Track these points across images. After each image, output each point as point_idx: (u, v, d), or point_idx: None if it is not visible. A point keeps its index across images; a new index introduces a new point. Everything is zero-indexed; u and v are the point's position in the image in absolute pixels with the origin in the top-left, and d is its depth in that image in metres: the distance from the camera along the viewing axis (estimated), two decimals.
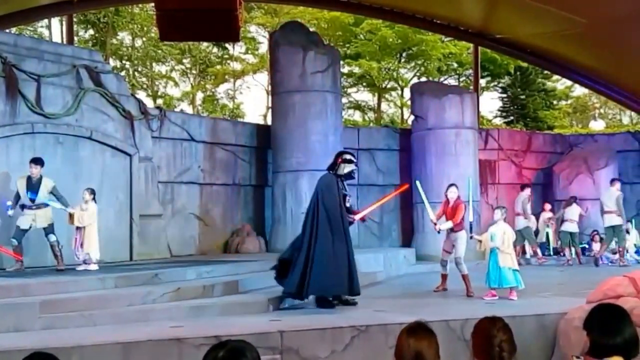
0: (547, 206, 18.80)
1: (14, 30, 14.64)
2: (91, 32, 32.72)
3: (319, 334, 7.56)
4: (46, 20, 29.45)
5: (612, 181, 17.12)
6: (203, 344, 6.38)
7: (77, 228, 11.34)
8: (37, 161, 11.33)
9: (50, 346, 6.23)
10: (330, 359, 7.45)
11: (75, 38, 26.43)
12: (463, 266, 11.11)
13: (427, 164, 17.45)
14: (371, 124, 34.95)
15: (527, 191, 17.38)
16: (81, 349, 6.64)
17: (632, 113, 33.03)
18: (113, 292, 9.25)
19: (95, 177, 13.35)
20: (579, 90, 38.92)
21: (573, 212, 17.24)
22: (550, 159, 21.14)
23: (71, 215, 11.30)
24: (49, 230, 11.29)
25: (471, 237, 11.01)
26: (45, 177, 11.33)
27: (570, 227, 17.10)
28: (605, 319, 3.67)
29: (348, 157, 10.08)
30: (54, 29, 31.17)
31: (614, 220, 16.18)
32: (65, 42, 19.28)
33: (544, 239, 18.34)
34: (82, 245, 11.27)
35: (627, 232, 17.32)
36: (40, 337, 7.04)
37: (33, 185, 11.19)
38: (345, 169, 9.95)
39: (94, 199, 11.50)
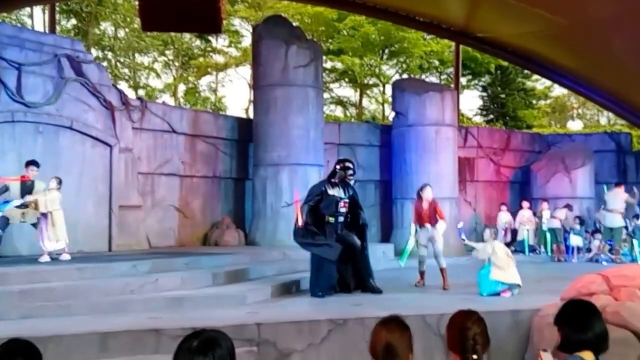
0: (525, 204, 19.00)
1: None
2: (73, 21, 32.45)
3: (296, 326, 7.60)
4: (28, 9, 29.23)
5: None
6: (180, 335, 6.39)
7: (43, 215, 11.15)
8: (35, 163, 11.33)
9: (28, 335, 6.21)
10: (307, 352, 7.49)
11: (58, 27, 26.28)
12: (442, 259, 11.27)
13: (407, 160, 17.57)
14: (352, 120, 35.01)
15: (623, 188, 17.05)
16: (58, 338, 6.64)
17: (610, 114, 33.41)
18: (91, 283, 9.24)
19: (75, 167, 13.32)
20: (558, 91, 39.37)
21: (561, 213, 17.45)
22: (528, 157, 21.36)
23: (36, 205, 11.11)
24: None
25: (463, 240, 11.29)
26: (38, 181, 11.32)
27: (554, 223, 17.32)
28: (576, 315, 3.73)
29: (343, 164, 10.64)
30: (36, 17, 30.96)
31: None
32: (47, 31, 19.15)
33: (523, 237, 18.49)
34: (48, 233, 11.08)
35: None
36: (18, 326, 7.04)
37: (26, 187, 11.19)
38: (341, 175, 10.52)
39: (59, 189, 11.31)
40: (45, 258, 10.90)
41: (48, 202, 11.10)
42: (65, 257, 11.13)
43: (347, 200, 10.49)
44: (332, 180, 10.49)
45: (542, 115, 40.06)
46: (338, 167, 10.57)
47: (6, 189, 11.21)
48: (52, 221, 11.10)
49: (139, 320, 7.55)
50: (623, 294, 7.89)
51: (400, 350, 3.38)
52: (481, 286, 10.12)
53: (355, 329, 7.59)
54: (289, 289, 10.61)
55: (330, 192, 10.36)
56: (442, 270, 11.25)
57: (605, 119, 40.64)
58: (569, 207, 17.92)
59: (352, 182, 10.58)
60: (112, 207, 14.07)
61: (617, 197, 16.51)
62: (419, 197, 11.67)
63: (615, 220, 16.33)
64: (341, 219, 10.45)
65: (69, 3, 29.62)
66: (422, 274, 11.54)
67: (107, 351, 6.79)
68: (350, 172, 10.53)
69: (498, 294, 10.00)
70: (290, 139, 16.22)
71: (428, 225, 11.46)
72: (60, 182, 11.41)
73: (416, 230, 11.65)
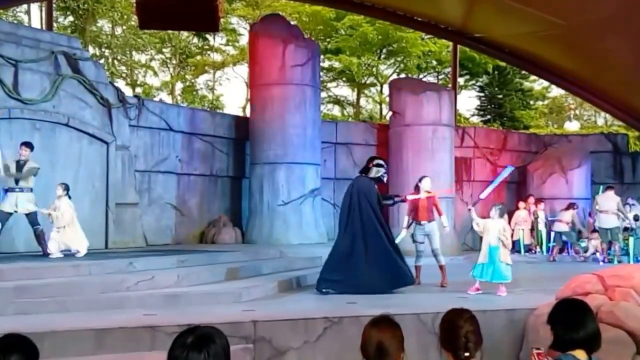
0: (522, 204, 18.97)
1: None
2: (70, 18, 32.49)
3: (291, 324, 7.60)
4: (25, 6, 29.22)
5: None
6: (176, 332, 6.37)
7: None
8: (28, 144, 11.31)
9: (23, 331, 6.19)
10: (302, 350, 7.49)
11: (55, 24, 26.25)
12: (441, 257, 11.37)
13: (404, 159, 17.51)
14: (350, 119, 35.04)
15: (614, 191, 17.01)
16: (54, 334, 6.64)
17: (607, 115, 33.42)
18: (87, 279, 9.25)
19: (71, 165, 13.32)
20: (556, 91, 39.39)
21: (567, 215, 17.42)
22: (525, 158, 21.31)
23: (49, 214, 11.13)
24: (33, 219, 11.23)
25: (469, 210, 11.14)
26: (31, 160, 11.29)
27: (561, 227, 17.29)
28: (568, 314, 3.72)
29: (378, 161, 10.83)
30: (33, 15, 30.99)
31: None
32: (44, 28, 19.14)
33: (519, 237, 18.47)
34: (54, 236, 11.05)
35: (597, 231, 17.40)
36: (13, 322, 7.02)
37: (20, 168, 11.16)
38: (378, 173, 10.65)
39: (67, 194, 11.25)
40: (57, 254, 10.94)
41: (59, 218, 11.02)
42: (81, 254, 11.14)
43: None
44: (371, 177, 10.66)
45: (540, 116, 40.12)
46: (371, 164, 10.76)
47: (7, 168, 11.19)
48: (65, 236, 11.05)
49: (135, 317, 7.55)
50: (618, 294, 7.91)
51: (392, 350, 3.38)
52: (485, 270, 10.15)
53: (350, 327, 7.60)
54: (285, 287, 10.59)
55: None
56: (441, 267, 11.31)
57: (602, 120, 40.74)
58: (573, 205, 17.77)
59: (385, 179, 10.83)
60: (108, 204, 14.07)
61: (609, 199, 16.53)
62: (417, 189, 11.71)
63: (609, 220, 16.35)
64: None
65: (66, 0, 29.64)
66: (417, 268, 11.52)
67: (103, 347, 6.79)
68: (384, 170, 10.77)
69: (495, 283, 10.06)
70: (287, 137, 16.22)
71: (424, 222, 11.47)
72: (66, 188, 11.28)
73: (409, 225, 11.67)
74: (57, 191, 11.20)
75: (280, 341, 7.40)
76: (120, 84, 30.86)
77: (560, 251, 17.66)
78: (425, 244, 11.53)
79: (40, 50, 13.23)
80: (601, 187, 18.86)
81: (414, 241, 11.64)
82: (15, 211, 11.19)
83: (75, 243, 11.18)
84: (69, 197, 11.31)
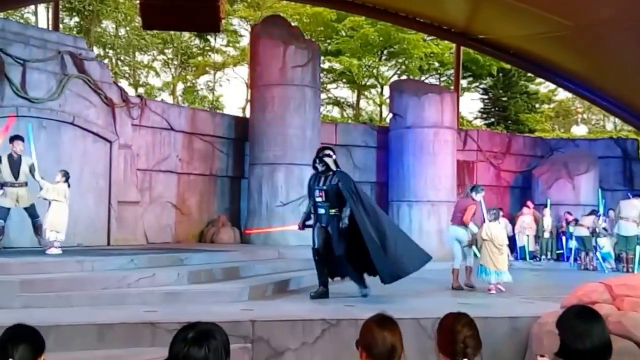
0: (526, 210, 18.80)
1: (1, 15, 14.68)
2: (76, 19, 32.59)
3: (290, 325, 7.64)
4: (33, 7, 29.36)
5: None
6: (176, 329, 6.39)
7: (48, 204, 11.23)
8: (20, 138, 11.40)
9: (29, 324, 6.28)
10: (300, 351, 7.53)
11: (61, 25, 26.33)
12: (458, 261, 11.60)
13: (405, 162, 17.49)
14: (349, 121, 35.02)
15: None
16: (58, 328, 6.72)
17: (616, 119, 33.14)
18: (90, 275, 9.34)
19: (75, 162, 13.42)
20: (562, 94, 38.86)
21: (588, 220, 17.08)
22: (530, 162, 21.11)
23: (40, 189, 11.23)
24: (32, 212, 11.33)
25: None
26: (25, 156, 11.37)
27: (582, 231, 16.87)
28: (578, 322, 3.48)
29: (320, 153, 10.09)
30: (40, 15, 31.09)
31: None
32: (51, 28, 19.23)
33: (524, 243, 18.36)
34: (47, 221, 11.09)
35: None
36: (19, 316, 7.07)
37: (15, 163, 11.23)
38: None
39: (66, 181, 11.34)
40: (54, 250, 10.95)
41: (50, 190, 11.14)
42: (55, 251, 11.02)
43: (323, 189, 9.73)
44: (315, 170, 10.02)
45: (546, 120, 39.58)
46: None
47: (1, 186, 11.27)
48: (51, 211, 11.11)
49: (136, 313, 7.63)
50: (626, 304, 7.71)
51: (399, 350, 3.39)
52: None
53: (348, 329, 7.63)
54: (283, 287, 10.66)
55: (312, 183, 9.94)
56: (458, 270, 11.51)
57: (611, 124, 40.16)
58: (595, 212, 17.33)
59: (332, 167, 9.77)
60: (111, 202, 14.19)
61: (633, 207, 16.16)
62: (469, 196, 11.78)
63: (630, 228, 16.03)
64: (321, 210, 9.74)
65: (72, 1, 29.76)
66: (467, 269, 11.65)
67: (104, 342, 6.87)
68: (318, 154, 10.05)
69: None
70: (287, 138, 16.23)
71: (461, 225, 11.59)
72: (65, 174, 11.38)
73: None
74: (57, 177, 11.30)
75: (278, 341, 7.44)
76: (123, 84, 30.94)
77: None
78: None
79: (47, 50, 13.37)
80: (599, 192, 18.83)
81: (461, 242, 11.61)
82: (16, 205, 11.27)
83: (60, 224, 11.16)
84: (68, 186, 11.38)
